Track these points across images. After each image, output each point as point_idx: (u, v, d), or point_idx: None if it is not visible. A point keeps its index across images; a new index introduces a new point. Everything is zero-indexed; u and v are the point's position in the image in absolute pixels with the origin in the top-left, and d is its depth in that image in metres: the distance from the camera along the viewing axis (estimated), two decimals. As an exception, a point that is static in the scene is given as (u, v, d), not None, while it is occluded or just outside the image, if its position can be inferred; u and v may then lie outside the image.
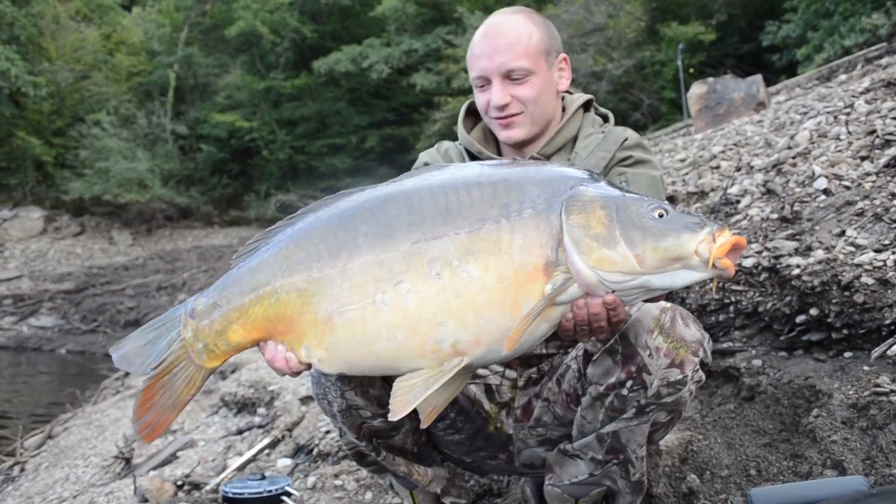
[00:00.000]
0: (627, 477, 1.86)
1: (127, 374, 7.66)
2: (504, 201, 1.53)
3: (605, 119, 2.14)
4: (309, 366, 1.67)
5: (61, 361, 12.10)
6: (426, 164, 2.12)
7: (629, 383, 1.74)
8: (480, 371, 2.15)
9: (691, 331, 1.74)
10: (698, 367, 1.76)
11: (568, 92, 2.14)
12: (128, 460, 4.16)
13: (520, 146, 2.05)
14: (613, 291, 1.49)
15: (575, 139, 2.07)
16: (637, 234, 1.47)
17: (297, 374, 1.69)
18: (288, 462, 3.47)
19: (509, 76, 1.95)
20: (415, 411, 1.62)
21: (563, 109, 2.11)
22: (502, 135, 2.03)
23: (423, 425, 1.58)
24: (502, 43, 1.95)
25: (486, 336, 1.51)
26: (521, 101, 1.97)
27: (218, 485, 3.40)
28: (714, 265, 1.43)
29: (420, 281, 1.52)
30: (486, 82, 1.99)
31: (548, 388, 2.00)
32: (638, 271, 1.47)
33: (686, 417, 2.71)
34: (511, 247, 1.50)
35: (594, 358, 1.82)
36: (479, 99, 2.04)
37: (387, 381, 1.93)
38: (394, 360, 1.57)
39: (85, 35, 24.67)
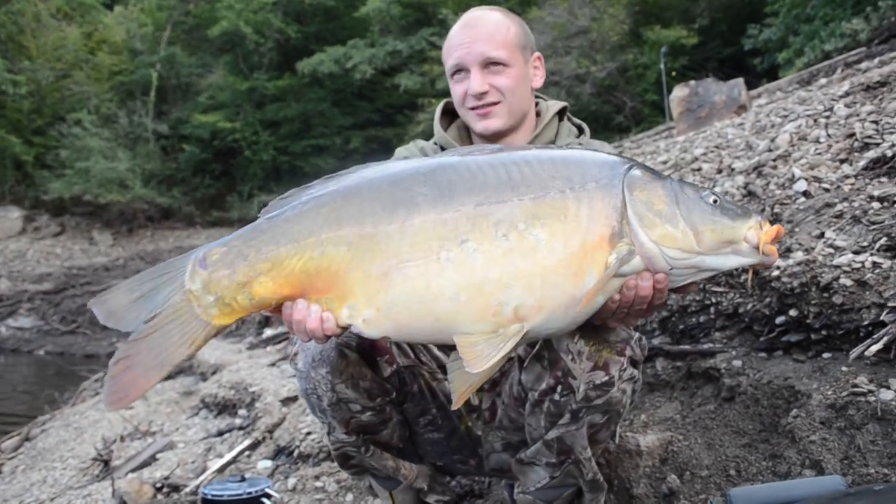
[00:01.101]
0: (582, 476, 1.88)
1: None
2: (566, 174, 1.53)
3: (580, 130, 2.16)
4: (344, 329, 1.56)
5: (39, 363, 11.97)
6: (405, 158, 2.11)
7: (559, 388, 1.75)
8: None
9: (615, 331, 1.75)
10: (626, 366, 1.77)
11: (541, 98, 2.17)
12: (106, 462, 4.11)
13: (495, 139, 2.04)
14: (671, 268, 1.53)
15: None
16: (696, 215, 1.52)
17: (328, 338, 1.57)
18: (268, 464, 3.45)
19: (488, 65, 1.97)
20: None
21: (539, 114, 2.13)
22: (479, 125, 2.03)
23: (455, 406, 1.54)
24: (481, 33, 1.98)
25: (549, 302, 1.48)
26: (500, 91, 1.98)
27: (197, 487, 3.37)
28: (763, 252, 1.51)
29: (487, 241, 1.47)
30: (464, 72, 2.00)
31: (504, 390, 2.02)
32: (696, 250, 1.51)
33: (666, 418, 2.72)
34: (578, 215, 1.49)
35: (524, 364, 1.84)
36: (456, 90, 2.05)
37: (377, 373, 1.95)
38: (452, 322, 1.49)
39: (66, 33, 24.47)
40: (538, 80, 2.10)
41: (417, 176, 1.55)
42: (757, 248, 1.52)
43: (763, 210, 3.13)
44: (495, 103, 2.00)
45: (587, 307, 1.50)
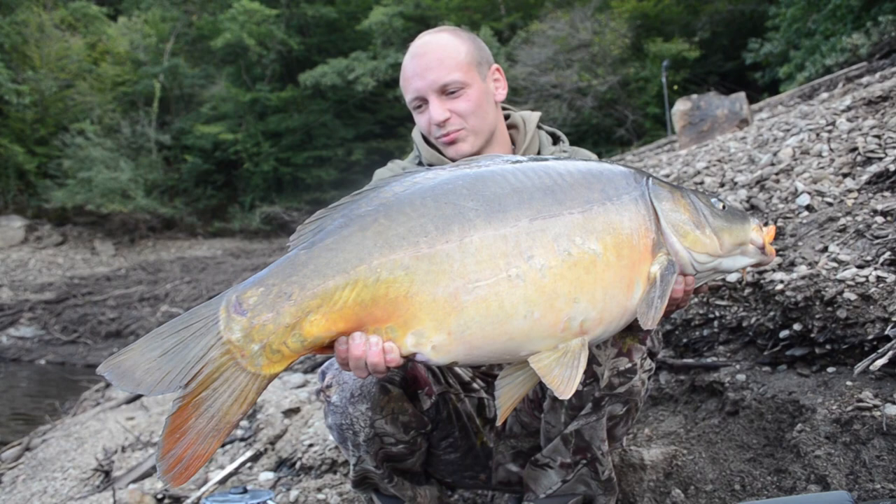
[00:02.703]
0: (598, 477, 1.88)
1: (108, 385, 7.57)
2: (600, 186, 1.53)
3: (556, 137, 2.17)
4: (408, 359, 1.45)
5: (41, 372, 11.94)
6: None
7: (583, 377, 1.76)
8: (474, 385, 2.15)
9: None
10: (646, 355, 1.82)
11: (509, 108, 2.17)
12: (107, 473, 4.10)
13: None
14: (696, 273, 1.61)
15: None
16: (716, 221, 1.61)
17: (389, 370, 1.45)
18: (270, 475, 3.44)
19: (444, 91, 1.97)
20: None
21: (515, 126, 2.14)
22: (450, 151, 2.04)
23: (499, 422, 1.56)
24: (432, 60, 1.97)
25: (608, 314, 1.49)
26: (460, 116, 1.98)
27: (199, 498, 3.36)
28: (766, 251, 1.64)
29: (552, 256, 1.43)
30: (422, 102, 2.01)
31: None
32: (718, 253, 1.61)
33: (670, 432, 2.71)
34: (622, 227, 1.51)
35: None
36: (421, 121, 2.06)
37: (417, 407, 1.94)
38: (524, 340, 1.44)
39: (70, 44, 24.60)
40: (501, 93, 2.09)
41: (460, 190, 1.47)
42: (762, 248, 1.63)
43: (766, 223, 3.14)
44: (459, 130, 2.00)
45: (655, 322, 1.50)
